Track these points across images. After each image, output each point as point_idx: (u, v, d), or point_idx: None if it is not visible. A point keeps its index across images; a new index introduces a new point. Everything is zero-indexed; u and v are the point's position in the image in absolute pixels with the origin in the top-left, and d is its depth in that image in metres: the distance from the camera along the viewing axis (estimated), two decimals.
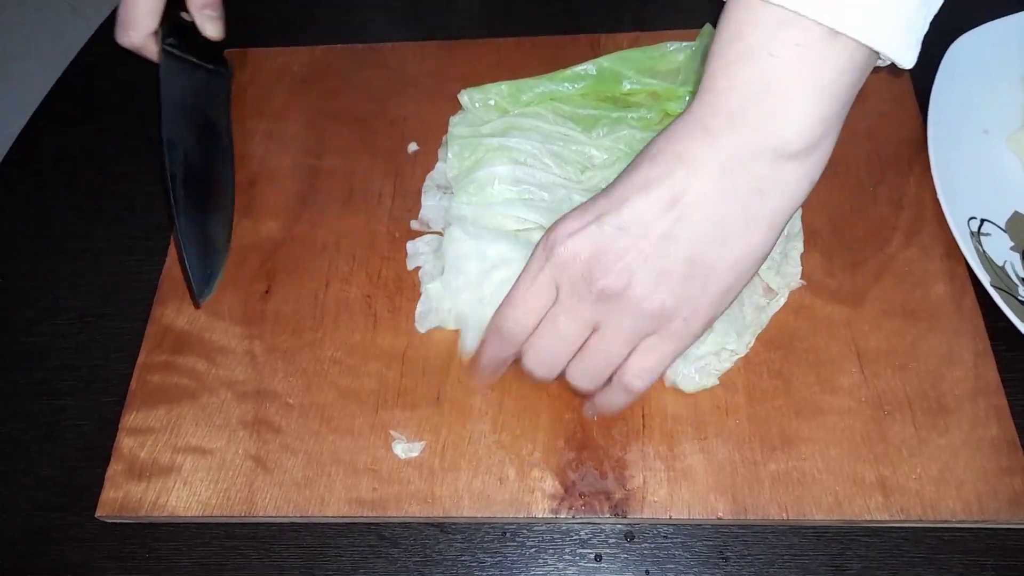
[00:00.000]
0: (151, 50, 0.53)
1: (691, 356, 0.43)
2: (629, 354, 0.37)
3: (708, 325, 0.37)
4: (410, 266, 0.49)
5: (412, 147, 0.55)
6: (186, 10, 0.54)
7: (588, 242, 0.35)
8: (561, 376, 0.40)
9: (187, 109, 0.53)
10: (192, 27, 0.55)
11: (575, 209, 0.37)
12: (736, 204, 0.34)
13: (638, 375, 0.38)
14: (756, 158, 0.33)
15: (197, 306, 0.49)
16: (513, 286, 0.38)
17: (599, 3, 0.62)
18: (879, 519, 0.40)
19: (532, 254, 0.38)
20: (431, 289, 0.47)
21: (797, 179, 0.34)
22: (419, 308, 0.47)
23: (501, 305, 0.39)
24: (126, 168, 0.58)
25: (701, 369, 0.43)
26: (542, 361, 0.39)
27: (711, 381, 0.44)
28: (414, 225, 0.51)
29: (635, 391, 0.38)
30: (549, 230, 0.37)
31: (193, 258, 0.48)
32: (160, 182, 0.56)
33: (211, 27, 0.55)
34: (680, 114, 0.35)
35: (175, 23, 0.54)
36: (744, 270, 0.35)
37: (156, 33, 0.52)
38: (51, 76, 0.65)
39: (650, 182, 0.35)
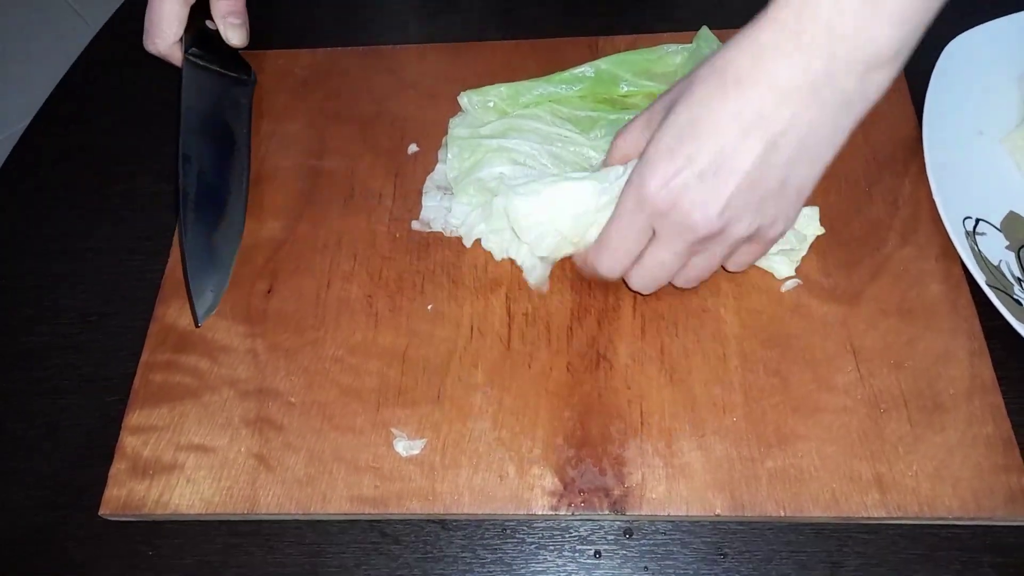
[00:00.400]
0: (176, 57, 0.54)
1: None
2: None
3: (792, 224, 0.41)
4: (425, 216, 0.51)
5: (412, 148, 0.55)
6: (211, 18, 0.55)
7: (685, 190, 0.37)
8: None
9: (207, 122, 0.53)
10: (216, 35, 0.55)
11: (660, 148, 0.38)
12: (825, 121, 0.35)
13: (734, 266, 0.44)
14: (849, 72, 0.34)
15: (197, 325, 0.49)
16: (607, 230, 0.42)
17: (597, 6, 0.63)
18: (876, 516, 0.41)
19: (623, 198, 0.40)
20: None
21: (879, 86, 0.35)
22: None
23: (599, 248, 0.43)
24: (128, 168, 0.59)
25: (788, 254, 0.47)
26: (645, 285, 0.43)
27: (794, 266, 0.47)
28: (415, 226, 0.51)
29: (738, 270, 0.45)
30: (640, 174, 0.38)
31: (197, 279, 0.49)
32: (167, 183, 0.57)
33: (234, 35, 0.56)
34: (746, 31, 0.35)
35: (200, 31, 0.54)
36: (821, 173, 0.38)
37: (181, 41, 0.53)
38: (53, 77, 0.65)
39: (740, 114, 0.35)
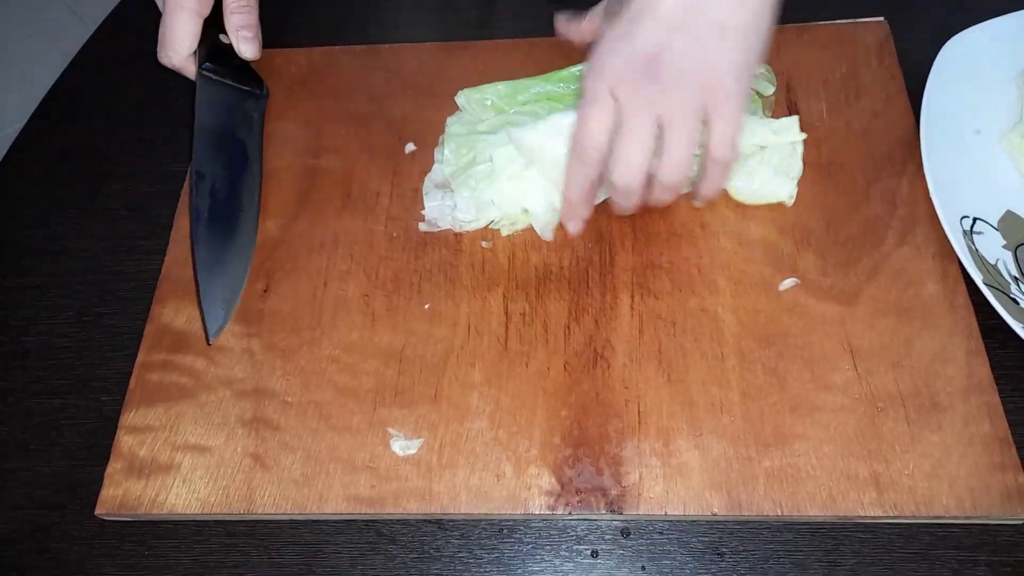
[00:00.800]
0: (190, 71, 0.54)
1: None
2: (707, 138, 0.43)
3: (748, 82, 0.43)
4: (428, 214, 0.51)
5: (410, 147, 0.55)
6: (225, 32, 0.55)
7: (629, 45, 0.41)
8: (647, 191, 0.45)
9: (220, 138, 0.53)
10: (230, 49, 0.56)
11: (615, 30, 0.42)
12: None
13: (722, 145, 0.43)
14: None
15: (209, 343, 0.48)
16: (577, 114, 0.44)
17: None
18: (872, 515, 0.40)
19: (583, 85, 0.43)
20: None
21: None
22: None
23: (574, 133, 0.44)
24: (125, 168, 0.59)
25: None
26: (629, 165, 0.43)
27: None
28: (423, 227, 0.51)
29: (726, 160, 0.44)
30: (591, 62, 0.43)
31: (209, 296, 0.48)
32: (163, 183, 0.57)
33: (247, 48, 0.56)
34: None
35: (213, 44, 0.54)
36: (751, 17, 0.41)
37: (195, 54, 0.53)
38: (50, 77, 0.65)
39: None
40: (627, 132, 0.42)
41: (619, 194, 0.45)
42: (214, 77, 0.54)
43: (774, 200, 0.50)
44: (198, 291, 0.49)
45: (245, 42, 0.55)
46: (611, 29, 0.42)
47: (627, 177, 0.43)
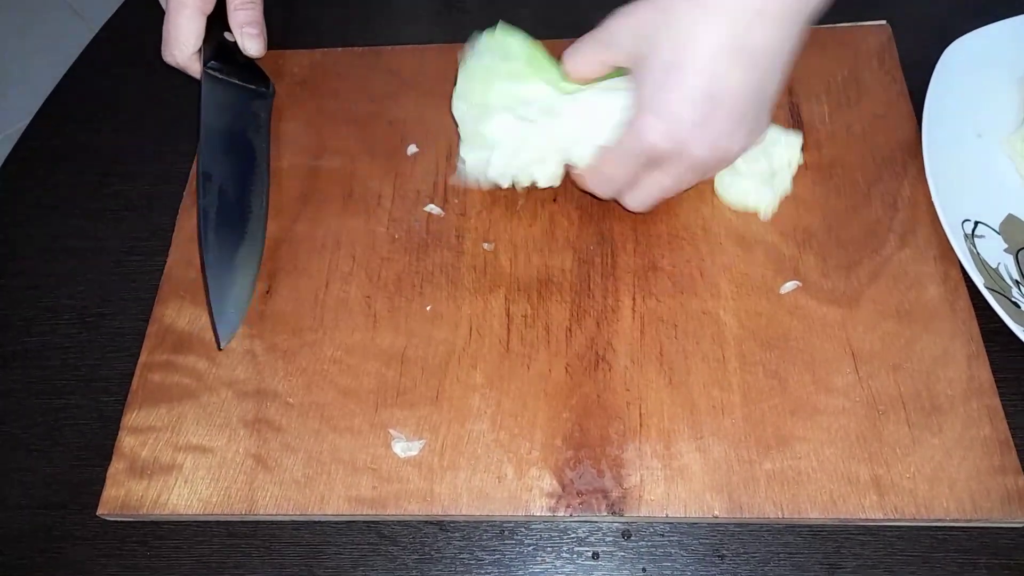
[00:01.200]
0: (195, 69, 0.54)
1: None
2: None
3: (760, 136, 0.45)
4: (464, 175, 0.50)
5: (411, 149, 0.55)
6: (229, 29, 0.55)
7: (686, 134, 0.41)
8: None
9: (226, 137, 0.53)
10: (235, 47, 0.55)
11: (655, 92, 0.41)
12: (784, 35, 0.40)
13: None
14: (761, 14, 0.38)
15: (220, 348, 0.48)
16: (605, 160, 0.45)
17: (597, 8, 0.63)
18: (873, 518, 0.41)
19: (624, 139, 0.43)
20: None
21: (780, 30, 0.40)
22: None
23: (594, 172, 0.46)
24: (127, 168, 0.59)
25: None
26: (644, 203, 0.47)
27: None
28: (452, 181, 0.53)
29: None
30: (641, 124, 0.42)
31: (219, 300, 0.48)
32: (165, 184, 0.57)
33: (252, 45, 0.55)
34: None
35: (218, 43, 0.54)
36: (777, 90, 0.42)
37: (200, 52, 0.53)
38: (52, 77, 0.65)
39: (721, 43, 0.39)
40: (655, 182, 0.45)
41: (611, 197, 0.48)
42: (219, 75, 0.54)
43: (751, 209, 0.50)
44: (208, 296, 0.48)
45: (250, 39, 0.55)
46: (655, 87, 0.41)
47: (636, 207, 0.47)
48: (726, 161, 0.44)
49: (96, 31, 0.68)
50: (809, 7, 0.40)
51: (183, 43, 0.52)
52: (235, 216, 0.51)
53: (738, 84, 0.40)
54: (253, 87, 0.56)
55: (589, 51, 0.45)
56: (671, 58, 0.40)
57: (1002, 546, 0.41)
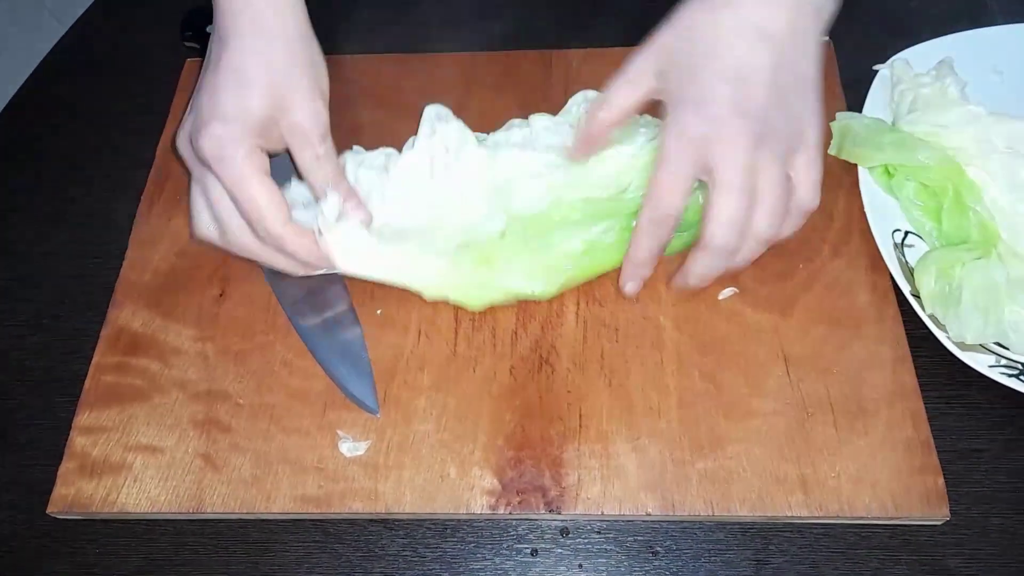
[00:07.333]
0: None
1: None
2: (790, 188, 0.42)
3: (822, 126, 0.42)
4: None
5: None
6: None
7: (721, 124, 0.40)
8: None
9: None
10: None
11: (686, 91, 0.41)
12: (795, 37, 0.41)
13: (809, 190, 0.43)
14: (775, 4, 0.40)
15: (377, 415, 0.46)
16: (655, 177, 0.42)
17: (553, 20, 0.64)
18: (799, 515, 0.42)
19: (666, 146, 0.42)
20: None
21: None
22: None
23: (651, 198, 0.43)
24: (85, 172, 0.59)
25: None
26: (732, 223, 0.41)
27: None
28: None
29: (813, 206, 0.43)
30: (678, 123, 0.41)
31: (351, 382, 0.47)
32: (122, 189, 0.57)
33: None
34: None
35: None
36: (815, 73, 0.42)
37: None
38: (19, 77, 0.65)
39: (741, 31, 0.40)
40: (725, 189, 0.40)
41: (711, 255, 0.42)
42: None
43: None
44: (341, 384, 0.47)
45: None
46: (684, 88, 0.41)
47: (729, 236, 0.41)
48: (798, 136, 0.41)
49: (65, 30, 0.68)
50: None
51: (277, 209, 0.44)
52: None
53: (764, 63, 0.40)
54: None
55: (620, 94, 0.44)
56: (695, 60, 0.41)
57: (922, 543, 0.43)
